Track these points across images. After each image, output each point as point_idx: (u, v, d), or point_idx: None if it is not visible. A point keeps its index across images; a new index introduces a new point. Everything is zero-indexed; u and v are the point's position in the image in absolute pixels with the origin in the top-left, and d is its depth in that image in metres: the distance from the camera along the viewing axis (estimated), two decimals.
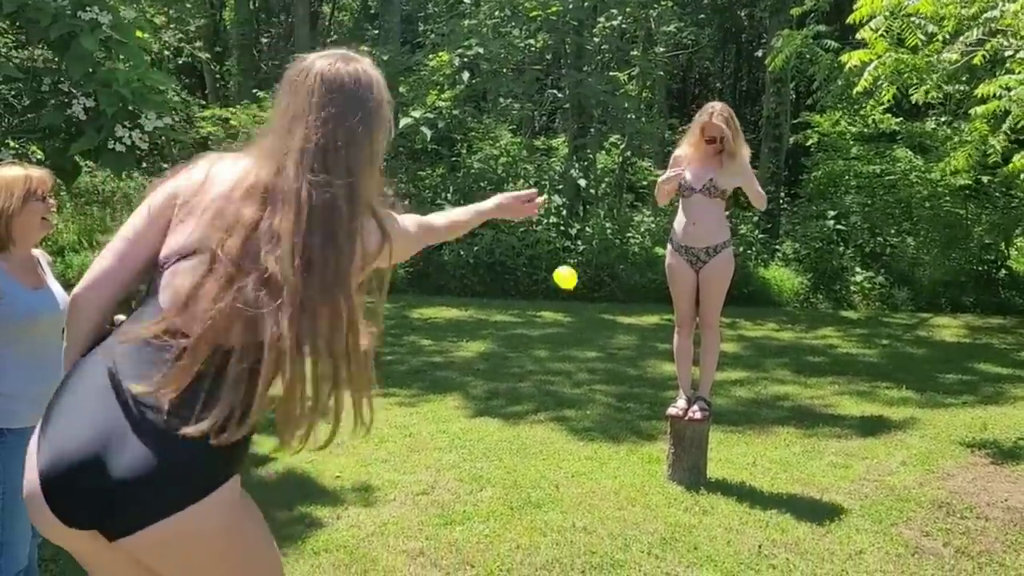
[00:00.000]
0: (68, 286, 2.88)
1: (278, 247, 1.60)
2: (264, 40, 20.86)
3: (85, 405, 1.58)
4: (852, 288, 11.91)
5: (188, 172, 1.74)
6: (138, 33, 5.17)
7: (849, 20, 5.74)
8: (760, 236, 12.93)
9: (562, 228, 12.64)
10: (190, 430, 1.52)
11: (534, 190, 2.34)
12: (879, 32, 5.48)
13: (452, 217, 2.21)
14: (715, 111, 4.48)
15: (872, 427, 5.72)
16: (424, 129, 12.44)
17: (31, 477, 1.57)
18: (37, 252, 2.74)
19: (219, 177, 1.70)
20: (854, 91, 6.62)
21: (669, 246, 4.64)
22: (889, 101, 6.18)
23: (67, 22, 4.62)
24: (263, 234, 1.61)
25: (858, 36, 5.67)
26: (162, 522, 1.52)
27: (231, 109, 12.75)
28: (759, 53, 16.87)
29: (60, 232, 12.19)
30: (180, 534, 1.54)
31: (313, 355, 1.62)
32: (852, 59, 5.79)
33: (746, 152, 4.54)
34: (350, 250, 1.67)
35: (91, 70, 4.77)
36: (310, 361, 1.62)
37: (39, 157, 5.60)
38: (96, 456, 1.52)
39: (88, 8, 4.64)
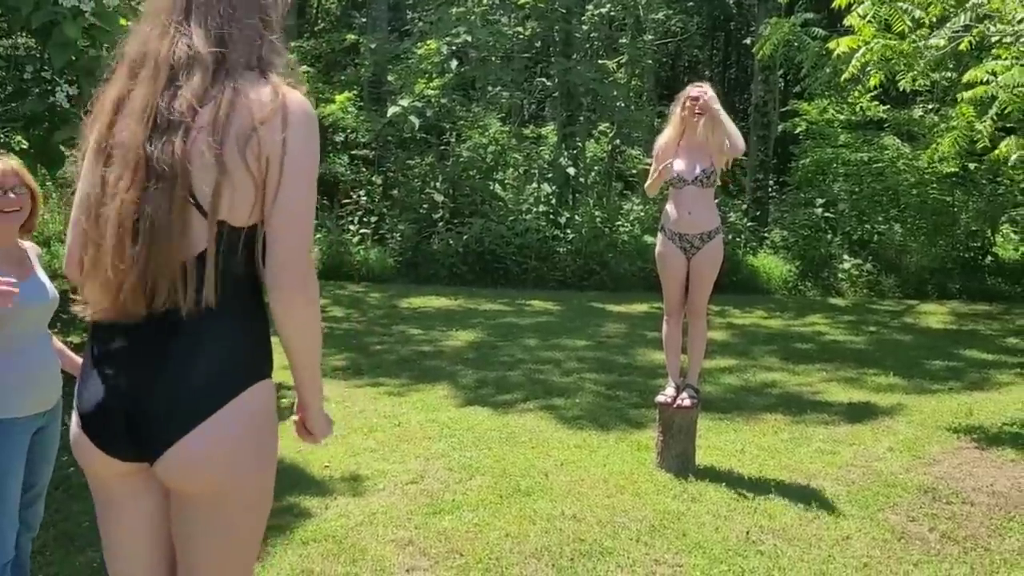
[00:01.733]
0: (55, 276, 2.85)
1: (127, 114, 1.56)
2: None
3: (104, 361, 1.64)
4: (840, 275, 11.95)
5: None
6: (122, 21, 5.11)
7: (835, 3, 5.74)
8: (749, 224, 12.96)
9: (551, 217, 12.64)
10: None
11: None
12: (866, 18, 5.48)
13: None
14: (693, 84, 4.60)
15: (859, 414, 5.74)
16: (412, 118, 12.38)
17: (74, 422, 1.68)
18: (27, 244, 2.71)
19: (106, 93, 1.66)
20: (842, 78, 6.63)
21: (661, 234, 4.63)
22: (875, 87, 6.18)
23: (49, 9, 4.57)
24: (124, 111, 1.57)
25: (845, 22, 5.68)
26: (192, 433, 1.58)
27: None
28: (747, 41, 16.87)
29: (46, 223, 12.10)
30: (206, 447, 1.59)
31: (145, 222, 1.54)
32: (840, 46, 5.80)
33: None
34: (203, 104, 1.55)
35: (74, 58, 4.72)
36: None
37: (23, 146, 5.55)
38: (123, 389, 1.60)
39: None
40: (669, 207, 4.60)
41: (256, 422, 1.65)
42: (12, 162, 2.63)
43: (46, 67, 4.92)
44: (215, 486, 1.62)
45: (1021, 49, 5.12)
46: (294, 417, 1.83)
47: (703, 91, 4.50)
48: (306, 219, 1.62)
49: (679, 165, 4.50)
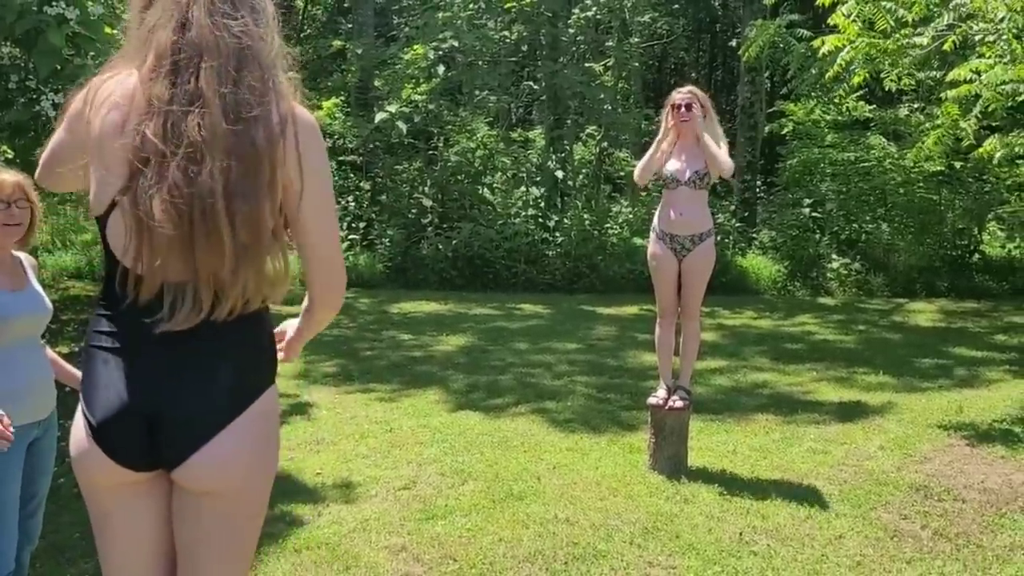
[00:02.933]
0: (43, 286, 2.84)
1: (200, 106, 1.49)
2: None
3: (122, 367, 1.60)
4: (829, 275, 12.00)
5: (72, 112, 1.63)
6: (107, 29, 5.09)
7: (819, 1, 5.78)
8: (737, 225, 13.00)
9: (540, 220, 12.64)
10: (168, 326, 1.55)
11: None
12: (850, 17, 5.52)
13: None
14: (677, 90, 4.59)
15: (850, 413, 5.76)
16: (400, 123, 12.38)
17: (80, 437, 1.62)
18: (21, 255, 2.71)
19: (112, 89, 1.57)
20: (827, 75, 6.67)
21: (653, 235, 4.63)
22: (860, 84, 6.22)
23: (33, 18, 4.54)
24: (179, 102, 1.50)
25: (830, 21, 5.72)
26: (211, 441, 1.58)
27: None
28: (733, 43, 16.94)
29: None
30: (232, 450, 1.60)
31: (236, 214, 1.51)
32: (825, 44, 5.84)
33: (718, 129, 4.57)
34: (276, 91, 1.56)
35: (59, 66, 4.69)
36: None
37: (8, 156, 5.52)
38: (146, 394, 1.58)
39: (55, 3, 4.57)
40: (661, 209, 4.61)
41: (269, 425, 1.67)
42: (19, 176, 2.63)
43: (31, 76, 4.89)
44: (235, 489, 1.63)
45: (1004, 47, 5.15)
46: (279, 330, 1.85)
47: (688, 97, 4.49)
48: (335, 227, 1.71)
49: (673, 165, 4.51)
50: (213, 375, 1.59)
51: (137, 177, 1.49)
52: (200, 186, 1.47)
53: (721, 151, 4.44)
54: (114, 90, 1.56)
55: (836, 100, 12.81)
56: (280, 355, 1.79)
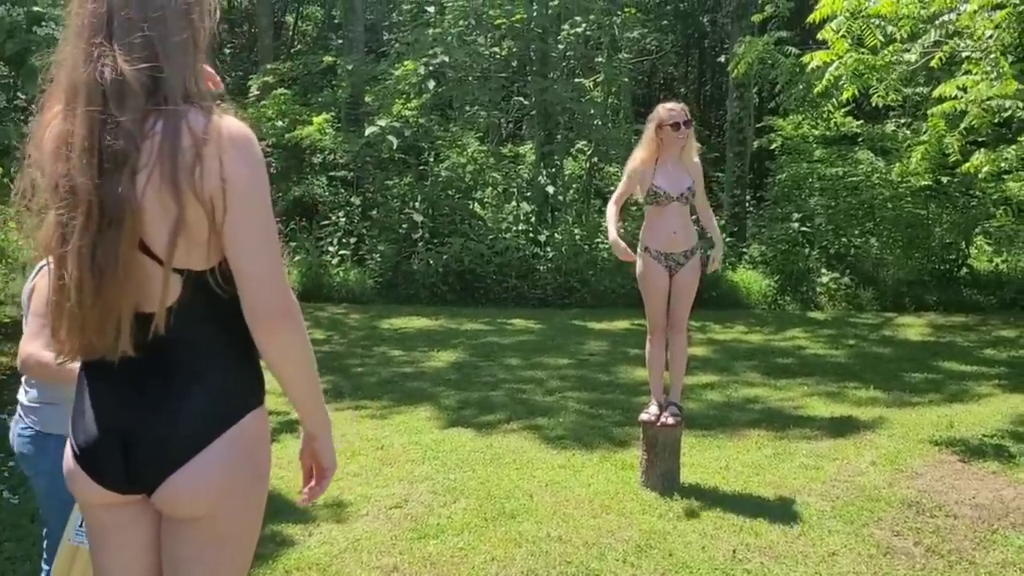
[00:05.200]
0: None
1: (72, 152, 1.45)
2: (227, 51, 20.71)
3: (97, 395, 1.64)
4: (818, 289, 12.03)
5: None
6: None
7: (809, 19, 5.84)
8: (727, 239, 13.02)
9: (531, 235, 12.66)
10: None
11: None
12: (839, 33, 5.57)
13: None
14: (667, 106, 4.60)
15: (841, 428, 5.76)
16: (391, 138, 12.40)
17: (68, 457, 1.67)
18: None
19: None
20: (814, 90, 6.72)
21: (644, 254, 4.65)
22: (849, 100, 6.27)
23: (23, 38, 4.55)
24: (66, 146, 1.47)
25: (819, 36, 5.76)
26: (188, 464, 1.58)
27: None
28: (722, 59, 17.03)
29: (22, 249, 11.96)
30: (203, 478, 1.59)
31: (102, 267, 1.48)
32: (814, 60, 5.88)
33: (698, 163, 4.63)
34: (169, 115, 1.46)
35: None
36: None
37: None
38: (118, 423, 1.60)
39: (44, 24, 4.57)
40: (651, 225, 4.63)
41: (250, 450, 1.66)
42: None
43: (20, 94, 4.89)
44: (211, 515, 1.63)
45: (991, 64, 5.20)
46: (300, 448, 1.79)
47: (683, 115, 4.52)
48: (266, 245, 1.54)
49: (661, 182, 4.53)
50: (179, 400, 1.58)
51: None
52: (75, 234, 1.48)
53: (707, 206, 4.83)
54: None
55: (824, 115, 12.91)
56: (309, 488, 1.77)
